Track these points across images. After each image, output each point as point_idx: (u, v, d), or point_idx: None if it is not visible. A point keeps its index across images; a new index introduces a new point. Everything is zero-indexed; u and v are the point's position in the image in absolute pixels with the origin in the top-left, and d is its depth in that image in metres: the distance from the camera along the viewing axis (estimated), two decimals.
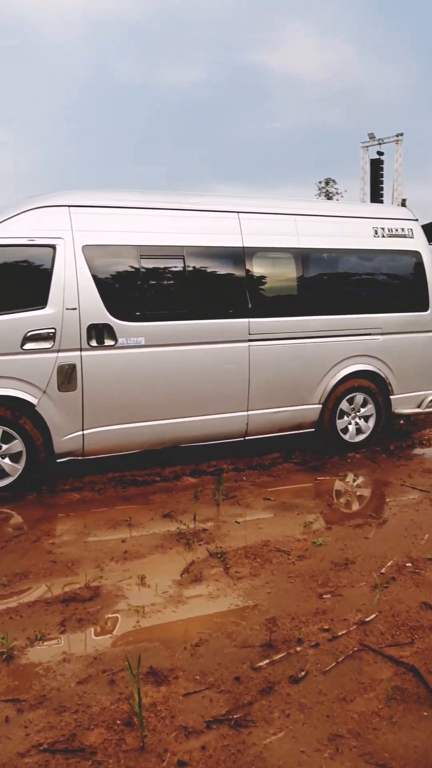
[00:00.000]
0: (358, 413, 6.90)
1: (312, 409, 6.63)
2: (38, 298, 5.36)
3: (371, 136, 34.10)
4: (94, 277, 5.53)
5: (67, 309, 5.40)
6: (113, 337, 5.57)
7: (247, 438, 6.42)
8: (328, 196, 40.16)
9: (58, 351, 5.38)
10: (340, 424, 6.82)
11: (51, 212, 5.49)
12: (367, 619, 3.45)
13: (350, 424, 6.90)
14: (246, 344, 6.16)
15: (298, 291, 6.57)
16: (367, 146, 34.24)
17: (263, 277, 6.40)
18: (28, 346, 5.29)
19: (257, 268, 6.33)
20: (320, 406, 6.66)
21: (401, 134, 33.68)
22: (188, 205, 6.11)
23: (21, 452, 5.39)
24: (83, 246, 5.51)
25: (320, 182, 40.87)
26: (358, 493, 5.84)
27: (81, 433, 5.55)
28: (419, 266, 7.22)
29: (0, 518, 5.03)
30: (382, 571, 4.04)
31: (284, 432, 6.61)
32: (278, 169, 74.33)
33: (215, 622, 3.46)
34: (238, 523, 4.94)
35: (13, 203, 5.68)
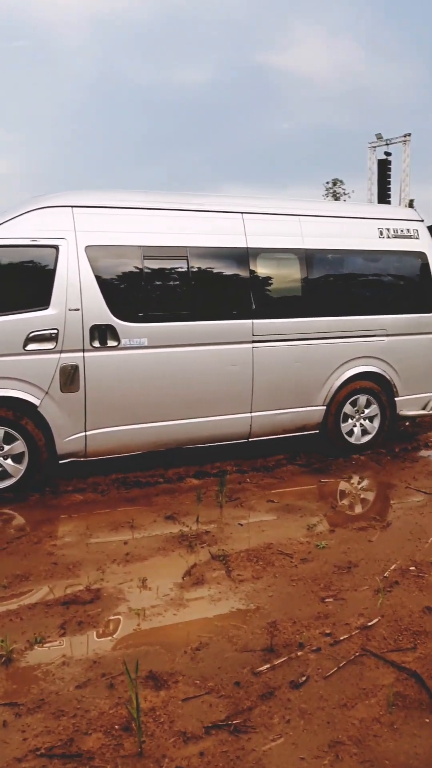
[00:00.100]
0: (362, 414, 6.86)
1: (316, 410, 6.60)
2: (41, 299, 5.35)
3: (379, 137, 34.03)
4: (97, 277, 5.52)
5: (69, 310, 5.39)
6: (116, 338, 5.55)
7: (250, 439, 6.39)
8: (336, 197, 40.08)
9: (61, 352, 5.36)
10: (345, 427, 6.78)
11: (54, 213, 5.48)
12: (370, 624, 3.42)
13: (355, 426, 6.86)
14: (249, 345, 6.13)
15: (302, 292, 6.54)
16: (374, 147, 34.18)
17: (267, 277, 6.38)
18: (31, 346, 5.28)
19: (261, 269, 6.30)
20: (324, 407, 6.62)
21: (409, 134, 33.63)
22: (192, 206, 6.09)
23: (23, 453, 5.38)
24: (86, 246, 5.49)
25: (327, 183, 40.80)
26: (362, 496, 5.81)
27: (83, 434, 5.54)
28: (425, 267, 7.17)
29: (2, 519, 5.02)
30: (386, 574, 4.00)
31: (288, 434, 6.57)
32: (286, 170, 74.35)
33: (216, 625, 3.43)
34: (241, 525, 4.92)
35: (16, 204, 5.67)
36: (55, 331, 5.34)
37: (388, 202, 29.35)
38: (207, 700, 2.80)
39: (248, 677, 2.96)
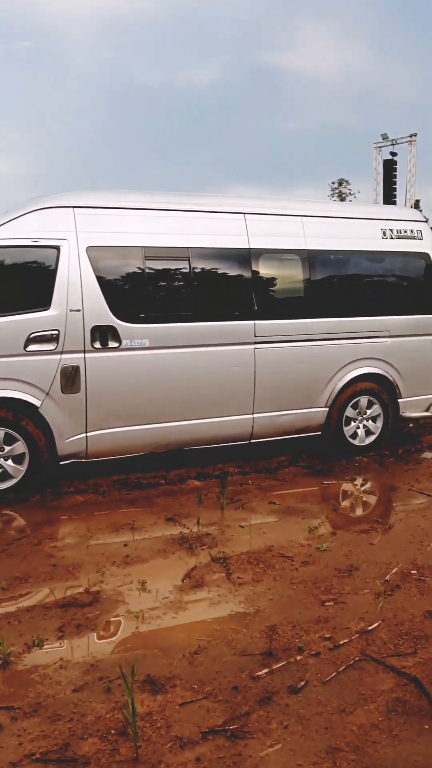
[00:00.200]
0: (365, 415, 6.82)
1: (318, 412, 6.56)
2: (42, 300, 5.33)
3: (384, 137, 33.89)
4: (98, 278, 5.50)
5: (70, 310, 5.37)
6: (117, 339, 5.54)
7: (252, 441, 6.37)
8: (342, 197, 40.00)
9: (62, 353, 5.35)
10: (348, 430, 6.74)
11: (55, 213, 5.47)
12: (370, 628, 3.39)
13: (359, 428, 6.82)
14: (252, 347, 6.11)
15: (304, 293, 6.51)
16: (380, 147, 34.04)
17: (269, 278, 6.35)
18: (32, 347, 5.27)
19: (263, 270, 6.27)
20: (327, 409, 6.59)
21: (415, 135, 33.45)
22: (194, 206, 6.06)
23: (24, 454, 5.37)
24: (87, 247, 5.47)
25: (333, 183, 40.72)
26: (364, 498, 5.77)
27: (84, 435, 5.52)
28: (428, 268, 7.12)
29: (2, 520, 5.01)
30: (387, 578, 3.97)
31: (290, 435, 6.54)
32: (292, 170, 74.13)
33: (215, 629, 3.41)
34: (242, 527, 4.89)
35: (18, 204, 5.66)
36: (56, 332, 5.33)
37: (394, 203, 29.25)
38: (204, 704, 2.78)
39: (246, 682, 2.93)
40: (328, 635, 3.32)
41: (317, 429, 6.64)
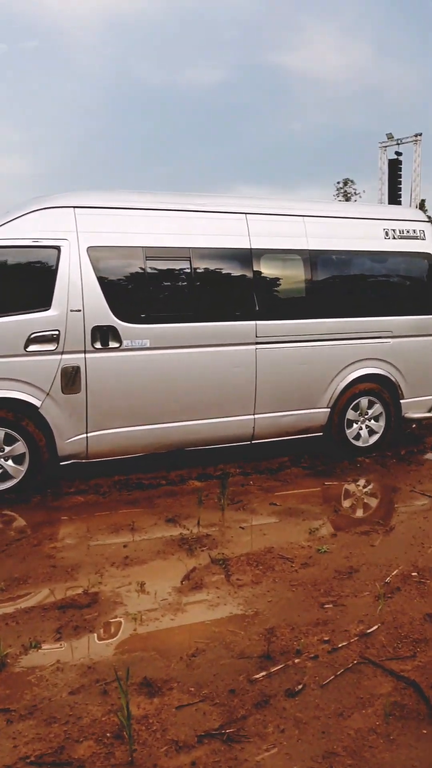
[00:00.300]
0: (366, 416, 6.79)
1: (320, 412, 6.54)
2: (42, 300, 5.33)
3: (389, 137, 33.76)
4: (99, 278, 5.49)
5: (71, 311, 5.36)
6: (118, 339, 5.52)
7: (253, 441, 6.35)
8: (347, 197, 39.97)
9: (62, 353, 5.34)
10: (351, 432, 6.71)
11: (56, 213, 5.46)
12: (369, 631, 3.36)
13: (361, 429, 6.79)
14: (253, 347, 6.09)
15: (306, 293, 6.48)
16: (385, 146, 33.91)
17: (271, 279, 6.33)
18: (32, 347, 5.26)
19: (265, 270, 6.25)
20: (329, 409, 6.56)
21: (420, 134, 33.32)
22: (195, 206, 6.05)
23: (24, 454, 5.36)
24: (88, 247, 5.46)
25: (338, 183, 40.68)
26: (365, 499, 5.75)
27: (85, 435, 5.51)
28: (431, 268, 7.09)
29: (2, 521, 5.00)
30: (387, 580, 3.95)
31: (292, 436, 6.52)
32: (297, 170, 74.02)
33: (213, 631, 3.39)
34: (242, 528, 4.87)
35: (19, 204, 5.65)
36: (57, 332, 5.32)
37: (399, 203, 29.15)
38: (201, 707, 2.76)
39: (244, 685, 2.91)
40: (326, 638, 3.30)
41: (319, 430, 6.62)
